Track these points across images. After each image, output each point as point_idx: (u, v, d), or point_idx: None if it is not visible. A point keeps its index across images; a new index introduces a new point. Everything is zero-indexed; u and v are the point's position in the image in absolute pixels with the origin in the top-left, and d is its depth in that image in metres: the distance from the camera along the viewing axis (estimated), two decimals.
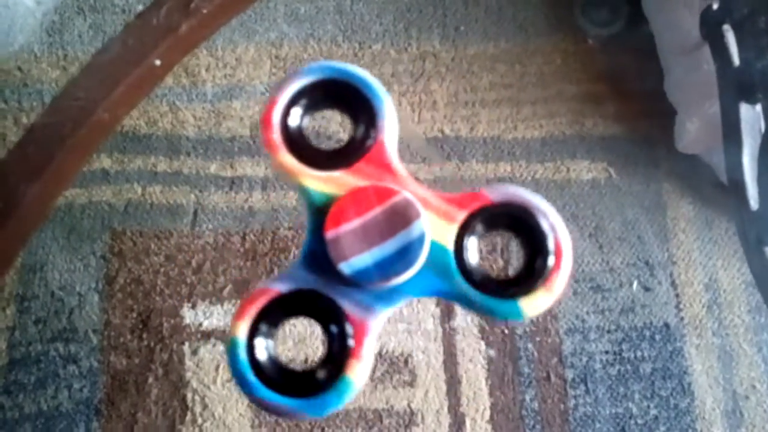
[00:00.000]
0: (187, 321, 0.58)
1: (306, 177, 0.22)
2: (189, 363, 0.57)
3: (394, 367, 0.58)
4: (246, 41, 0.66)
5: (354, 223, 0.21)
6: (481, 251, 0.23)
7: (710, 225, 0.62)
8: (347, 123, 0.23)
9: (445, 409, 0.57)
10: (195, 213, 0.61)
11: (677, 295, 0.61)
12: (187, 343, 0.58)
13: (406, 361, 0.58)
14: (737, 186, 0.44)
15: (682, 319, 0.60)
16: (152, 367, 0.57)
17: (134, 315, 0.58)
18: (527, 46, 0.67)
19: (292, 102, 0.22)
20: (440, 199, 0.22)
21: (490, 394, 0.58)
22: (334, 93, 0.22)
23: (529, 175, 0.63)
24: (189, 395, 0.57)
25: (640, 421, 0.58)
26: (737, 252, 0.61)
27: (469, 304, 0.22)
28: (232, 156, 0.63)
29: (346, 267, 0.21)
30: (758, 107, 0.43)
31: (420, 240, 0.21)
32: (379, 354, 0.58)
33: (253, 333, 0.21)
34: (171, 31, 0.23)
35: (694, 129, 0.58)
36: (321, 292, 0.22)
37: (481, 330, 0.59)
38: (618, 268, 0.61)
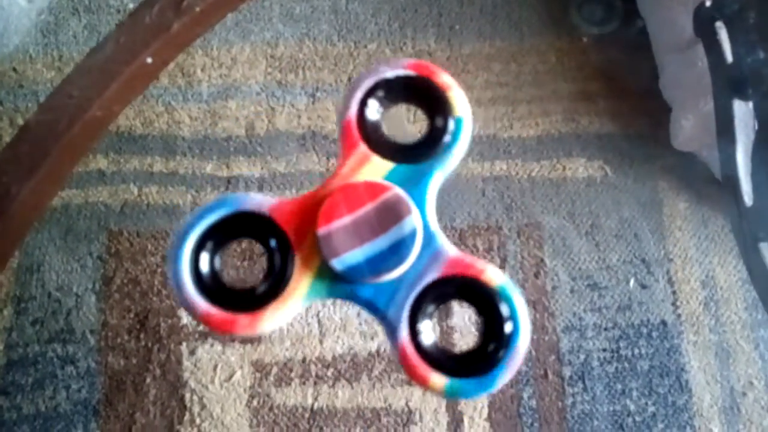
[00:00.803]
0: (185, 321, 0.58)
1: (353, 146, 0.22)
2: (187, 363, 0.57)
3: (391, 366, 0.58)
4: (241, 41, 0.66)
5: (345, 220, 0.21)
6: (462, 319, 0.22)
7: (706, 222, 0.63)
8: None
9: (443, 407, 0.57)
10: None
11: (674, 293, 0.61)
12: (184, 344, 0.58)
13: None
14: (731, 182, 0.44)
15: (679, 316, 0.60)
16: (150, 367, 0.57)
17: (131, 315, 0.58)
18: (522, 45, 0.67)
19: (370, 93, 0.22)
20: (442, 246, 0.22)
21: None
22: (418, 94, 0.22)
23: (525, 173, 0.63)
24: (187, 395, 0.57)
25: (637, 419, 0.58)
26: (733, 249, 0.61)
27: (394, 347, 0.22)
28: (228, 156, 0.63)
29: (337, 263, 0.21)
30: (751, 104, 0.43)
31: (412, 236, 0.21)
32: (377, 353, 0.58)
33: (212, 230, 0.22)
34: (163, 29, 0.23)
35: (689, 126, 0.58)
36: (287, 237, 0.21)
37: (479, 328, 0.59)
38: (615, 266, 0.61)
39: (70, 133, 0.23)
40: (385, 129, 0.23)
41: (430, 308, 0.22)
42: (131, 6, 0.67)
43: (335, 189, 0.21)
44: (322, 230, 0.21)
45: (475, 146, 0.64)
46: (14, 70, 0.64)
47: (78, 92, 0.23)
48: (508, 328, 0.21)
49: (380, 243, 0.21)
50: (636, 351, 0.59)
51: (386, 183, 0.21)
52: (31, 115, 0.23)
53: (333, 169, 0.65)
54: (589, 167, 0.64)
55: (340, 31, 0.67)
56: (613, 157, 0.64)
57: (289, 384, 0.57)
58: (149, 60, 0.23)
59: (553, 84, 0.66)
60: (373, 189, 0.21)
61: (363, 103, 0.22)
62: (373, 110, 0.22)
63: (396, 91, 0.22)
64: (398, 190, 0.21)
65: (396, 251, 0.21)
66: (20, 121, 0.63)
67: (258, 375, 0.57)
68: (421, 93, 0.22)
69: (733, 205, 0.44)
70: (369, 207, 0.21)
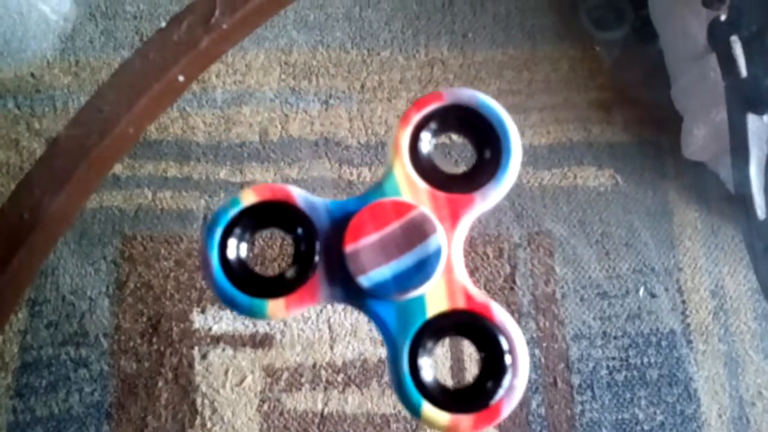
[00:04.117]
0: (197, 325, 0.59)
1: (400, 165, 0.23)
2: (198, 367, 0.58)
3: None
4: (256, 48, 0.66)
5: (372, 237, 0.21)
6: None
7: (716, 232, 0.63)
8: None
9: None
10: (205, 218, 0.62)
11: (683, 302, 0.61)
12: (196, 348, 0.58)
13: None
14: (744, 196, 0.44)
15: (688, 325, 0.60)
16: (162, 371, 0.58)
17: (144, 319, 0.59)
18: (535, 53, 0.67)
19: (446, 112, 0.23)
20: (462, 281, 0.22)
21: None
22: (476, 128, 0.23)
23: (536, 181, 0.64)
24: (198, 399, 0.57)
25: (646, 427, 0.58)
26: (743, 259, 0.62)
27: (393, 365, 0.22)
28: (241, 161, 0.63)
29: (365, 280, 0.21)
30: (765, 118, 0.43)
31: (437, 254, 0.21)
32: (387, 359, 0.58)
33: (248, 214, 0.22)
34: (191, 46, 0.24)
35: (701, 136, 0.58)
36: (317, 237, 0.22)
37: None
38: (624, 275, 0.61)
39: (99, 148, 0.23)
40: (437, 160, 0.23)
41: (440, 333, 0.22)
42: (148, 12, 0.67)
43: (362, 208, 0.21)
44: (349, 247, 0.21)
45: None
46: (32, 75, 0.65)
47: (107, 107, 0.23)
48: (504, 380, 0.22)
49: (406, 260, 0.21)
50: (645, 360, 0.59)
51: (412, 202, 0.22)
52: (62, 129, 0.23)
53: (345, 176, 0.65)
54: (600, 176, 0.64)
55: (353, 39, 0.67)
56: (624, 166, 0.64)
57: (300, 389, 0.58)
58: (181, 78, 0.23)
59: (565, 92, 0.66)
60: (399, 207, 0.21)
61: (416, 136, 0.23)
62: (426, 142, 0.23)
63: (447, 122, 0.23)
64: (424, 209, 0.22)
65: (421, 269, 0.21)
66: (37, 126, 0.64)
67: (269, 380, 0.58)
68: (468, 123, 0.23)
69: (745, 218, 0.44)
70: (395, 225, 0.21)
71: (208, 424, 0.57)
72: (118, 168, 0.63)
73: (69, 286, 0.60)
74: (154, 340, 0.59)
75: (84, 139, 0.23)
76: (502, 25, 0.68)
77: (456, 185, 0.23)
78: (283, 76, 0.66)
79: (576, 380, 0.59)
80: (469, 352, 0.59)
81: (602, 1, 0.68)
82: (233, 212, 0.22)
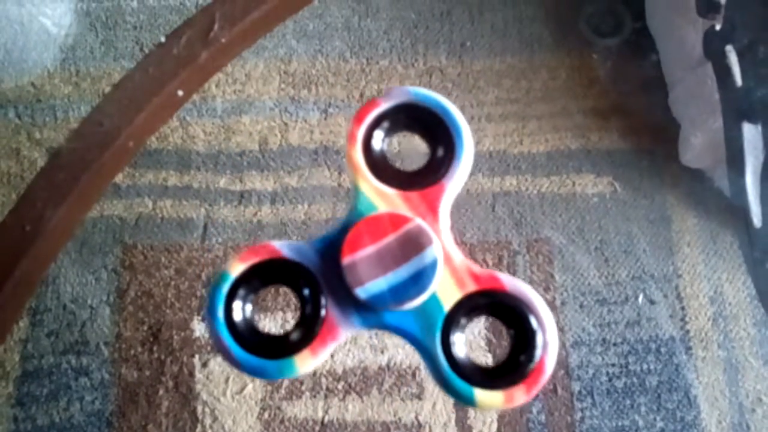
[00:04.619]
0: (197, 334, 0.59)
1: (364, 180, 0.23)
2: (199, 375, 0.58)
3: (402, 379, 0.58)
4: (255, 57, 0.67)
5: (369, 250, 0.22)
6: (472, 332, 0.23)
7: (715, 238, 0.63)
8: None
9: (453, 421, 0.58)
10: (205, 227, 0.62)
11: (682, 308, 0.61)
12: (197, 356, 0.59)
13: (413, 374, 0.59)
14: (741, 204, 0.44)
15: (687, 332, 0.60)
16: (163, 379, 0.58)
17: (145, 328, 0.59)
18: (533, 62, 0.68)
19: (385, 114, 0.23)
20: (463, 264, 0.23)
21: None
22: (423, 121, 0.23)
23: (534, 189, 0.64)
24: (199, 407, 0.57)
25: None
26: (742, 265, 0.62)
27: (431, 366, 0.23)
28: (241, 170, 0.64)
29: (361, 292, 0.21)
30: (760, 127, 0.43)
31: (433, 266, 0.22)
32: (387, 366, 0.59)
33: (242, 280, 0.22)
34: (190, 60, 0.24)
35: (698, 143, 0.59)
36: (316, 279, 0.22)
37: (488, 343, 0.59)
38: (623, 282, 0.61)
39: (100, 161, 0.23)
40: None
41: (463, 321, 0.23)
42: (148, 23, 0.68)
43: (359, 221, 0.22)
44: (346, 260, 0.21)
45: (485, 162, 0.64)
46: (32, 85, 0.65)
47: (108, 121, 0.24)
48: (537, 340, 0.22)
49: (402, 272, 0.22)
50: (644, 366, 0.59)
51: (408, 214, 0.22)
52: (63, 142, 0.24)
53: (344, 185, 0.65)
54: (599, 183, 0.64)
55: (352, 48, 0.67)
56: (623, 173, 0.64)
57: (300, 397, 0.58)
58: (180, 92, 0.24)
59: (563, 100, 0.66)
60: (395, 220, 0.22)
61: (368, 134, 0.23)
62: (379, 151, 0.23)
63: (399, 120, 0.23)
64: (420, 222, 0.22)
65: (418, 280, 0.22)
66: (38, 136, 0.64)
67: (269, 388, 0.58)
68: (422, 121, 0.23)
69: (742, 226, 0.44)
70: (391, 237, 0.22)
71: None
72: (118, 177, 0.63)
73: (70, 295, 0.60)
74: (155, 348, 0.59)
75: (85, 152, 0.23)
76: (500, 34, 0.68)
77: (423, 179, 0.23)
78: (282, 86, 0.66)
79: (576, 387, 0.59)
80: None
81: (600, 10, 0.69)
82: (226, 288, 0.22)
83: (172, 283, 0.60)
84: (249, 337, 0.22)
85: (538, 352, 0.22)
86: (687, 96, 0.59)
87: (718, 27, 0.47)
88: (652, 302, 0.61)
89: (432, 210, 0.23)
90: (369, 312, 0.22)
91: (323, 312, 0.22)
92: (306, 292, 0.22)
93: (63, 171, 0.23)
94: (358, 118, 0.23)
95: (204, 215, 0.62)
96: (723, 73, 0.46)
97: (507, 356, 0.22)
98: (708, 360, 0.60)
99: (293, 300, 0.60)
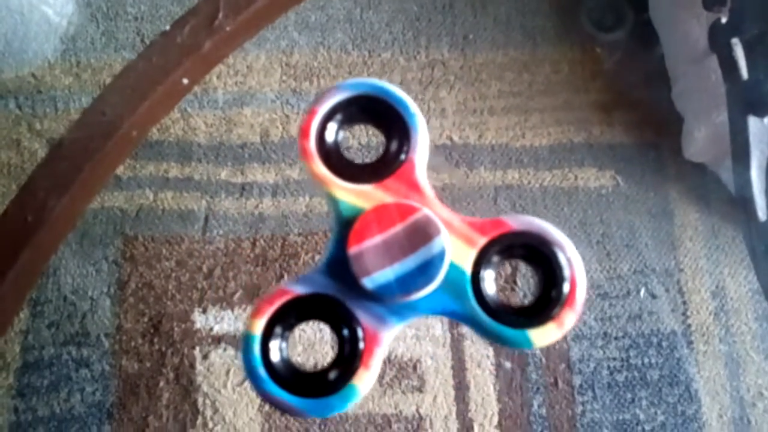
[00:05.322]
0: (198, 325, 0.59)
1: (337, 188, 0.23)
2: (200, 367, 0.58)
3: (403, 372, 0.58)
4: (257, 49, 0.66)
5: (376, 239, 0.21)
6: (497, 278, 0.23)
7: (717, 232, 0.63)
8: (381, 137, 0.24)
9: (454, 414, 0.58)
10: (206, 219, 0.62)
11: (684, 303, 0.61)
12: (198, 348, 0.58)
13: (414, 367, 0.59)
14: (745, 198, 0.44)
15: (689, 326, 0.60)
16: (163, 371, 0.58)
17: (146, 319, 0.59)
18: (535, 55, 0.67)
19: (329, 116, 0.23)
20: (463, 222, 0.23)
21: (498, 400, 0.58)
22: (369, 109, 0.23)
23: (536, 182, 0.64)
24: (200, 399, 0.57)
25: (647, 428, 0.58)
26: (744, 260, 0.62)
27: (479, 329, 0.23)
28: (242, 162, 0.63)
29: (368, 282, 0.21)
30: (766, 120, 0.43)
31: (440, 256, 0.21)
32: (388, 359, 0.59)
33: (268, 331, 0.22)
34: (195, 49, 0.24)
35: (702, 137, 0.58)
36: (338, 299, 0.22)
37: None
38: (625, 276, 0.61)
39: (103, 151, 0.23)
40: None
41: (486, 275, 0.23)
42: (149, 14, 0.67)
43: (368, 210, 0.21)
44: (353, 249, 0.21)
45: (488, 155, 0.64)
46: (33, 75, 0.65)
47: (110, 110, 0.23)
48: (560, 259, 0.23)
49: (410, 262, 0.21)
50: (646, 360, 0.59)
51: (416, 205, 0.22)
52: (65, 132, 0.24)
53: None
54: (601, 177, 0.64)
55: (354, 40, 0.67)
56: (625, 167, 0.64)
57: None
58: (185, 81, 0.23)
59: (565, 94, 0.66)
60: (403, 210, 0.22)
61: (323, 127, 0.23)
62: (338, 156, 0.24)
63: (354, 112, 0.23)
64: (428, 212, 0.22)
65: (425, 271, 0.21)
66: (38, 127, 0.64)
67: None
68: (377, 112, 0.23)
69: (745, 220, 0.44)
70: (399, 227, 0.21)
71: (210, 424, 0.57)
72: (119, 169, 0.63)
73: (71, 287, 0.60)
74: (156, 340, 0.59)
75: (87, 142, 0.23)
76: (503, 27, 0.68)
77: (391, 164, 0.23)
78: (284, 78, 0.66)
79: (577, 381, 0.59)
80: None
81: (602, 3, 0.68)
82: (257, 348, 0.22)
83: (173, 274, 0.60)
84: (300, 384, 0.22)
85: (566, 271, 0.22)
86: (691, 89, 0.59)
87: (723, 20, 0.46)
88: (653, 296, 0.61)
89: (413, 187, 0.23)
90: (401, 307, 0.22)
91: (360, 330, 0.22)
92: (334, 318, 0.22)
93: (65, 161, 0.23)
94: (304, 134, 0.23)
95: (205, 207, 0.62)
96: (728, 66, 0.46)
97: (539, 290, 0.23)
98: (709, 354, 0.60)
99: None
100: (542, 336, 0.22)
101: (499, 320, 0.22)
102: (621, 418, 0.58)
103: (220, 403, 0.57)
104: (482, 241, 0.22)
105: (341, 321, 0.22)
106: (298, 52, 0.67)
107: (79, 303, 0.59)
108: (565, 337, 0.60)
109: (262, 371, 0.22)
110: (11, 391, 0.57)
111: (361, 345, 0.22)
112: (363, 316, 0.22)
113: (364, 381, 0.22)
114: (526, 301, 0.23)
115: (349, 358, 0.22)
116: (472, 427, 0.58)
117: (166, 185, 0.63)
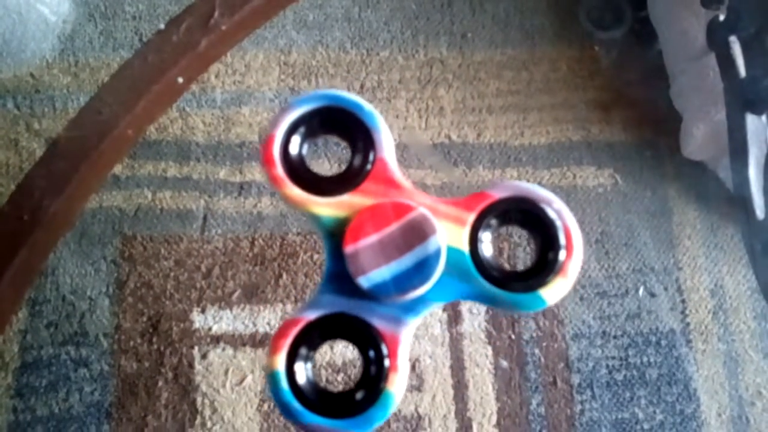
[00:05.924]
0: (197, 325, 0.59)
1: (315, 205, 0.23)
2: (198, 367, 0.58)
3: None
4: (255, 48, 0.66)
5: (372, 238, 0.21)
6: (495, 250, 0.23)
7: (716, 231, 0.63)
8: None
9: (452, 413, 0.58)
10: (204, 218, 0.62)
11: (683, 301, 0.61)
12: (196, 347, 0.58)
13: (413, 366, 0.59)
14: (743, 196, 0.44)
15: (687, 324, 0.60)
16: (162, 370, 0.58)
17: (144, 319, 0.59)
18: (534, 53, 0.67)
19: (290, 133, 0.23)
20: (448, 204, 0.23)
21: (497, 399, 0.58)
22: (327, 120, 0.23)
23: (535, 181, 0.64)
24: (198, 399, 0.57)
25: (646, 426, 0.58)
26: (743, 258, 0.62)
27: (492, 302, 0.23)
28: (241, 161, 0.63)
29: (364, 281, 0.21)
30: (764, 118, 0.43)
31: (436, 255, 0.21)
32: None
33: (290, 363, 0.22)
34: (190, 47, 0.24)
35: (700, 135, 0.58)
36: (349, 314, 0.22)
37: (488, 335, 0.59)
38: (624, 274, 0.61)
39: (99, 150, 0.23)
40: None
41: (485, 250, 0.23)
42: (147, 13, 0.67)
43: (363, 208, 0.21)
44: (349, 248, 0.21)
45: (486, 154, 0.64)
46: (31, 75, 0.65)
47: (107, 109, 0.23)
48: (549, 214, 0.23)
49: (405, 261, 0.21)
50: (644, 359, 0.59)
51: (412, 203, 0.22)
52: (62, 131, 0.24)
53: None
54: (600, 175, 0.64)
55: (352, 39, 0.67)
56: (624, 166, 0.64)
57: None
58: (180, 80, 0.23)
59: (564, 92, 0.66)
60: (398, 209, 0.22)
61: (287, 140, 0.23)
62: (308, 176, 0.24)
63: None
64: (424, 210, 0.22)
65: (421, 270, 0.21)
66: (36, 126, 0.64)
67: None
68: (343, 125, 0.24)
69: (744, 218, 0.44)
70: (395, 226, 0.21)
71: (208, 424, 0.57)
72: (117, 168, 0.63)
73: (69, 286, 0.60)
74: (154, 339, 0.59)
75: (84, 141, 0.23)
76: (501, 26, 0.68)
77: (362, 167, 0.23)
78: (282, 76, 0.66)
79: (576, 379, 0.59)
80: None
81: (601, 1, 0.68)
82: (284, 383, 0.22)
83: (172, 274, 0.60)
84: (335, 406, 0.22)
85: (558, 222, 0.23)
86: (689, 87, 0.59)
87: (721, 17, 0.46)
88: (652, 295, 0.61)
89: (390, 184, 0.23)
90: (413, 303, 0.22)
91: (378, 337, 0.22)
92: (351, 332, 0.22)
93: (62, 160, 0.23)
94: (268, 161, 0.23)
95: (204, 206, 0.62)
96: (726, 63, 0.46)
97: (537, 248, 0.23)
98: (708, 353, 0.60)
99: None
100: (553, 292, 0.22)
101: (509, 288, 0.22)
102: (620, 416, 0.58)
103: (219, 402, 0.57)
104: (471, 217, 0.23)
105: (358, 334, 0.22)
106: (297, 50, 0.67)
107: (77, 303, 0.59)
108: (563, 336, 0.60)
109: (296, 405, 0.22)
110: (10, 390, 0.57)
111: (384, 350, 0.22)
112: (378, 322, 0.22)
113: (397, 384, 0.22)
114: (529, 264, 0.23)
115: (376, 369, 0.22)
116: (471, 426, 0.58)
117: (165, 185, 0.62)
